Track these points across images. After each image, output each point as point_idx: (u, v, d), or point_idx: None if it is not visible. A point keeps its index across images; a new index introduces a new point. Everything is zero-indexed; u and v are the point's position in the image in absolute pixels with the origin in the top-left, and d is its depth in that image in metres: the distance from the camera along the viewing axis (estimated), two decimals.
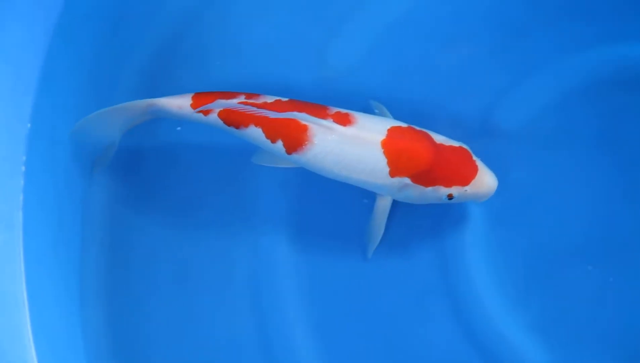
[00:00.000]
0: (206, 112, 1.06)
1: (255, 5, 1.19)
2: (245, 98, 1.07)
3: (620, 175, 1.16)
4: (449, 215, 1.13)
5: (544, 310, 1.13)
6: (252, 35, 1.19)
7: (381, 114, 1.12)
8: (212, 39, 1.20)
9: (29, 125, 1.01)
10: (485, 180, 1.04)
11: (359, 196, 1.11)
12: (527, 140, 1.16)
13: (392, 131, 1.03)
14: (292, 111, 1.04)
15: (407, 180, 1.03)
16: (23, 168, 1.01)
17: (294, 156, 1.05)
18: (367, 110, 1.13)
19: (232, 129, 1.07)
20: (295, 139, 1.04)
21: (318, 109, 1.05)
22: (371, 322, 1.12)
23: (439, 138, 1.05)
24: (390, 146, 1.02)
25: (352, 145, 1.02)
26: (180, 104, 1.07)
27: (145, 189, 1.18)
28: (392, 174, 1.03)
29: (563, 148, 1.16)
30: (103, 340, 1.14)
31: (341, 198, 1.13)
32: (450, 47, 1.20)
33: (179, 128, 1.18)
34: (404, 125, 1.04)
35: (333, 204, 1.13)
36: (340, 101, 1.12)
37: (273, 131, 1.05)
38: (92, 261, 1.15)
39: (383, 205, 1.09)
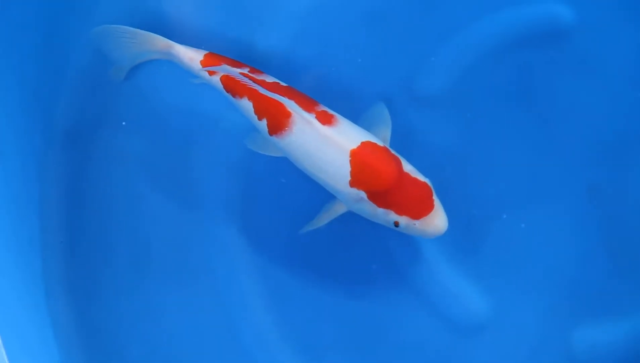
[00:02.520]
0: (211, 73, 1.10)
1: None
2: (249, 71, 1.09)
3: (535, 127, 1.21)
4: None
5: (480, 260, 1.18)
6: None
7: (378, 118, 1.13)
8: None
9: None
10: (435, 221, 1.04)
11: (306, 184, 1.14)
12: (449, 104, 1.21)
13: (365, 145, 1.04)
14: (283, 95, 1.05)
15: (364, 194, 1.04)
16: None
17: (274, 138, 1.08)
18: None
19: (229, 96, 1.10)
20: (278, 121, 1.06)
21: (307, 102, 1.07)
22: (321, 287, 1.17)
23: (408, 167, 1.06)
24: (357, 157, 1.03)
25: (324, 144, 1.04)
26: (192, 56, 1.11)
27: (97, 181, 1.21)
28: (352, 184, 1.04)
29: (483, 107, 1.21)
30: (72, 330, 1.18)
31: (290, 184, 1.18)
32: (369, 24, 1.23)
33: (124, 123, 1.21)
34: (380, 144, 1.06)
35: (281, 187, 1.18)
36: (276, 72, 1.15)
37: (261, 108, 1.08)
38: (54, 252, 1.18)
39: (335, 209, 1.11)
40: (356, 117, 1.15)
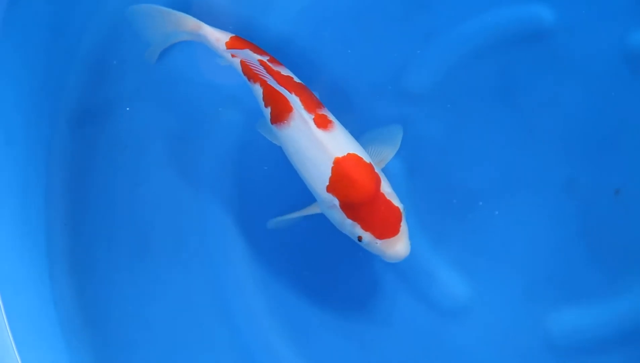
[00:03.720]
0: (233, 55, 1.13)
1: None
2: (268, 60, 1.11)
3: (515, 122, 1.23)
4: None
5: (461, 246, 1.21)
6: None
7: (389, 138, 1.15)
8: None
9: None
10: (397, 246, 1.04)
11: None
12: (435, 100, 1.24)
13: (351, 156, 1.05)
14: (290, 90, 1.07)
15: (336, 202, 1.06)
16: None
17: (274, 127, 1.10)
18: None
19: (246, 80, 1.13)
20: (280, 112, 1.08)
21: (311, 103, 1.09)
22: (310, 271, 1.21)
23: (387, 189, 1.07)
24: (340, 166, 1.05)
25: (313, 146, 1.06)
26: (218, 37, 1.14)
27: (100, 166, 1.24)
28: (328, 189, 1.05)
29: (466, 104, 1.24)
30: (73, 305, 1.20)
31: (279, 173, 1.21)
32: (360, 23, 1.26)
33: (127, 108, 1.25)
34: (366, 160, 1.07)
35: (276, 176, 1.22)
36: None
37: (269, 96, 1.10)
38: (58, 233, 1.21)
39: (310, 208, 1.13)
40: (345, 108, 1.20)
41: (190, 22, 1.15)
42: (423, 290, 1.20)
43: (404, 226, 1.06)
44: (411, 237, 1.18)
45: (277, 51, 1.20)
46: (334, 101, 1.18)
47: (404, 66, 1.25)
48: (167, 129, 1.25)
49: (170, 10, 1.16)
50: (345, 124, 1.14)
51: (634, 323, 1.18)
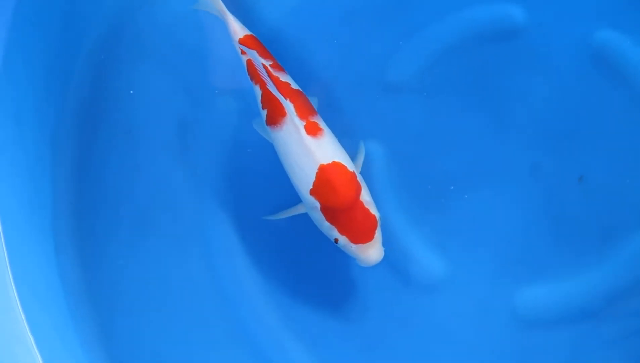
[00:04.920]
0: (243, 52, 1.16)
1: None
2: (270, 65, 1.14)
3: (487, 113, 1.26)
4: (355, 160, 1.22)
5: (437, 227, 1.24)
6: None
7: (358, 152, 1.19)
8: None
9: None
10: (369, 251, 1.07)
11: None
12: (416, 92, 1.26)
13: (335, 164, 1.08)
14: (286, 96, 1.10)
15: (318, 205, 1.08)
16: None
17: (268, 128, 1.13)
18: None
19: (249, 78, 1.16)
20: (274, 115, 1.11)
21: (305, 110, 1.11)
22: (298, 252, 1.24)
23: (366, 198, 1.09)
24: (324, 172, 1.07)
25: (302, 151, 1.09)
26: (236, 30, 1.17)
27: (103, 150, 1.26)
28: (311, 192, 1.08)
29: (445, 95, 1.27)
30: (79, 284, 1.22)
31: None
32: (347, 21, 1.28)
33: (131, 92, 1.26)
34: (350, 169, 1.09)
35: (272, 164, 1.21)
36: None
37: (266, 99, 1.13)
38: (63, 213, 1.23)
39: (297, 208, 1.17)
40: (332, 95, 1.23)
41: (220, 6, 1.18)
42: (401, 267, 1.23)
43: (378, 234, 1.08)
44: (391, 217, 1.22)
45: (268, 42, 1.21)
46: (322, 89, 1.23)
47: (387, 59, 1.27)
48: (166, 115, 1.27)
49: None
50: (332, 111, 1.19)
51: (591, 300, 1.22)
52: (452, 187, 1.24)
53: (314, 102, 1.19)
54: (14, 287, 1.11)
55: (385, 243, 1.14)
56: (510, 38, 1.27)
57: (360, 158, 1.19)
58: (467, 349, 1.22)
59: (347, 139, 1.19)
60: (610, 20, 1.26)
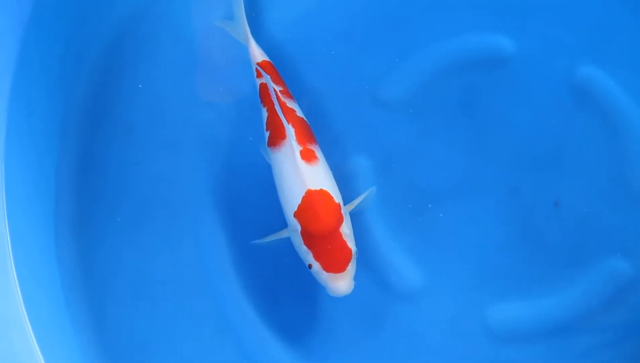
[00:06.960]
0: (258, 74, 1.19)
1: None
2: (280, 91, 1.17)
3: (472, 136, 1.29)
4: (343, 171, 1.27)
5: (416, 240, 1.26)
6: None
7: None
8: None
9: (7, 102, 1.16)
10: (339, 282, 1.08)
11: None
12: (405, 110, 1.29)
13: (322, 192, 1.10)
14: (289, 121, 1.13)
15: (299, 228, 1.10)
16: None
17: (269, 149, 1.16)
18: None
19: (259, 101, 1.19)
20: (276, 137, 1.14)
21: (304, 137, 1.14)
22: (284, 254, 1.24)
23: (345, 230, 1.10)
24: (310, 197, 1.09)
25: (293, 174, 1.11)
26: (256, 55, 1.21)
27: (105, 145, 1.29)
28: (295, 215, 1.10)
29: (432, 115, 1.29)
30: (75, 269, 1.25)
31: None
32: (345, 40, 1.31)
33: (140, 85, 1.29)
34: (336, 199, 1.11)
35: (264, 166, 1.22)
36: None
37: (271, 121, 1.16)
38: (65, 202, 1.26)
39: (281, 233, 1.17)
40: (326, 108, 1.26)
41: (246, 31, 1.22)
42: (381, 275, 1.25)
43: (351, 267, 1.09)
44: (373, 227, 1.25)
45: (268, 53, 1.23)
46: (316, 101, 1.25)
47: (380, 77, 1.29)
48: (169, 115, 1.30)
49: (244, 18, 1.23)
50: (325, 123, 1.23)
51: (561, 318, 1.24)
52: (429, 205, 1.26)
53: (305, 101, 1.21)
54: (13, 267, 1.14)
55: (366, 251, 1.16)
56: (499, 66, 1.30)
57: (358, 201, 1.20)
58: (439, 360, 1.24)
59: (336, 151, 1.23)
60: (593, 57, 1.29)
